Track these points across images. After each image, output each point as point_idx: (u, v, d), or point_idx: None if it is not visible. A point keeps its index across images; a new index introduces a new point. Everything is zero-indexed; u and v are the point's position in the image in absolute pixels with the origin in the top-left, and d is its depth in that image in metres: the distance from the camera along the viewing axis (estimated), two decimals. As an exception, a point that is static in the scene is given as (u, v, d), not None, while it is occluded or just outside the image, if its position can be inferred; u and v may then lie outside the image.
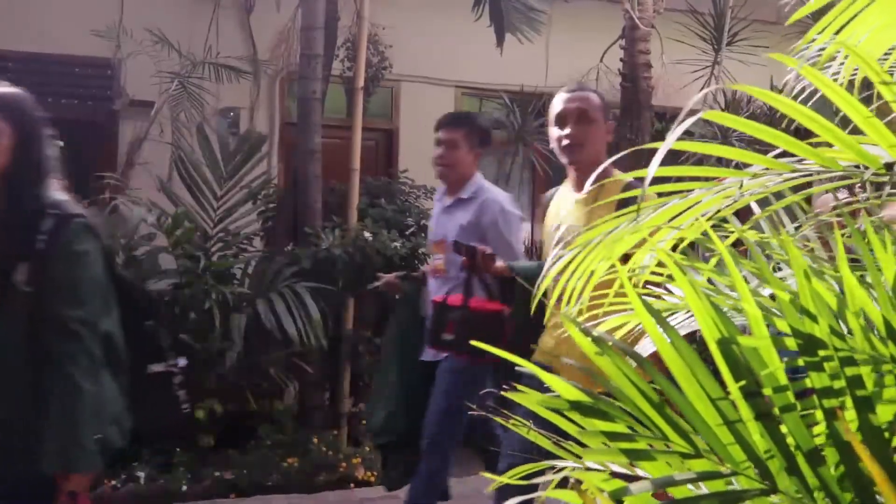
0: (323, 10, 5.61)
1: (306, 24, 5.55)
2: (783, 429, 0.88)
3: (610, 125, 2.90)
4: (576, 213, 2.85)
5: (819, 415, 0.89)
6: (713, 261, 1.37)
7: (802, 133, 1.08)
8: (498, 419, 0.93)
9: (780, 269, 1.46)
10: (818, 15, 1.19)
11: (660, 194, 1.14)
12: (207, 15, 6.39)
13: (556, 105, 2.88)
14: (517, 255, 3.59)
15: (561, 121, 2.84)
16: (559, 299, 1.26)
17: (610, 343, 0.88)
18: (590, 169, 2.74)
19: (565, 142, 2.82)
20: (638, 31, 5.86)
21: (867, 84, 1.21)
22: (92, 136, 6.41)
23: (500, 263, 3.23)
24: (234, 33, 6.58)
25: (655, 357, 0.98)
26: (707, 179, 1.16)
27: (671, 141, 0.87)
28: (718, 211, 1.08)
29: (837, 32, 1.12)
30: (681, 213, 1.08)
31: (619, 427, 0.87)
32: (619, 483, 0.82)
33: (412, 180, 6.13)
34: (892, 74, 1.10)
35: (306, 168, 5.45)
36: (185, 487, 4.61)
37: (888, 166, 1.02)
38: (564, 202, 2.94)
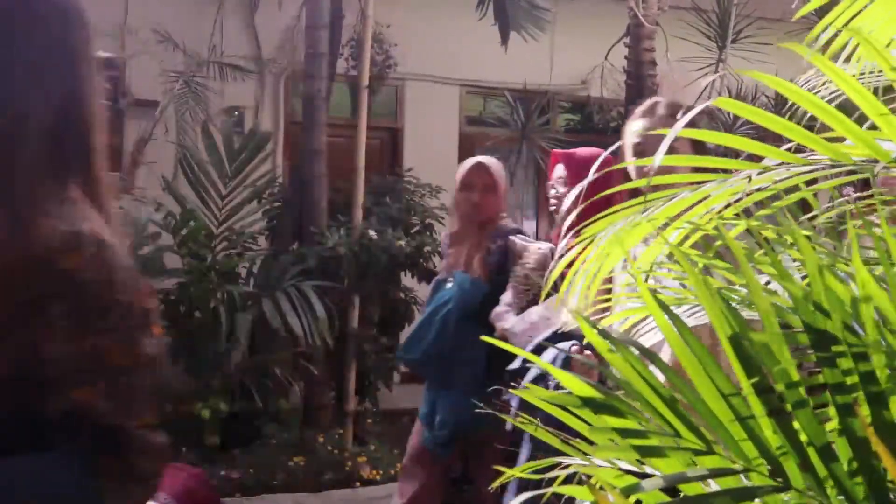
0: (327, 8, 5.61)
1: (311, 23, 5.55)
2: (795, 425, 0.87)
3: None
4: None
5: (831, 411, 0.89)
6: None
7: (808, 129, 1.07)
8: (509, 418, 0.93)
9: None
10: (823, 12, 1.18)
11: (654, 187, 1.12)
12: (212, 14, 6.38)
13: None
14: None
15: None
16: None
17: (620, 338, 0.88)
18: None
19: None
20: (643, 28, 5.85)
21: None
22: (97, 135, 6.42)
23: None
24: (238, 32, 6.58)
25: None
26: (714, 171, 1.14)
27: (678, 127, 0.86)
28: (729, 205, 1.07)
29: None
30: (691, 207, 1.07)
31: (630, 423, 0.87)
32: (630, 479, 0.82)
33: (417, 179, 6.13)
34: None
35: (311, 167, 5.44)
36: (190, 486, 4.61)
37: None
38: None
